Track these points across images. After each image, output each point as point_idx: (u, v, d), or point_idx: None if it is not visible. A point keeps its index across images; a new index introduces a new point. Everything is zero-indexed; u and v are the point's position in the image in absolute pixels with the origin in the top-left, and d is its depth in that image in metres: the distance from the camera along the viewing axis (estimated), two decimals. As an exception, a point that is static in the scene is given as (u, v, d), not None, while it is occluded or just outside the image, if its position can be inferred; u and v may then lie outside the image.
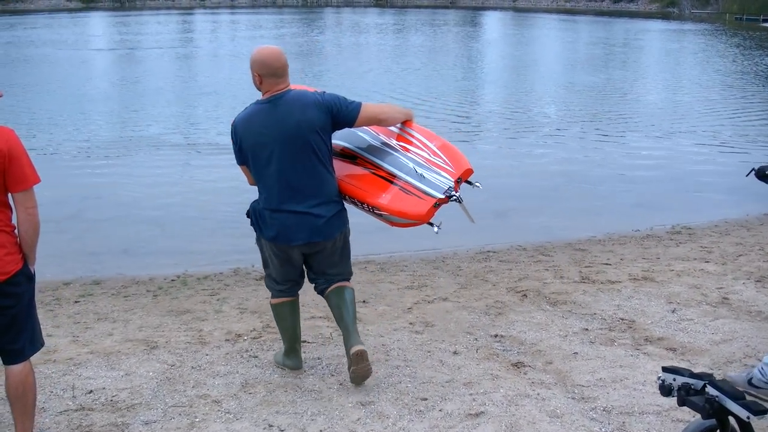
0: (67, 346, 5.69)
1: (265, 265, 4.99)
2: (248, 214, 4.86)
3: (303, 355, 5.28)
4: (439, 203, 4.56)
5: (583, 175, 12.31)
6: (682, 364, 5.05)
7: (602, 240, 8.74)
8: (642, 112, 19.36)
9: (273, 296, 5.04)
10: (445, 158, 4.75)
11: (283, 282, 4.94)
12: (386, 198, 4.63)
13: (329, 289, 4.93)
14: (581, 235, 9.06)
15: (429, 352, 5.40)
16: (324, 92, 4.75)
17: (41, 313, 6.37)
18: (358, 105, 4.68)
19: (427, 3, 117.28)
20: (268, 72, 4.54)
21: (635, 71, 29.99)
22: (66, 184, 11.62)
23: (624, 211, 10.43)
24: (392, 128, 4.98)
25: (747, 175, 4.78)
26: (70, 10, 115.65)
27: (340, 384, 4.87)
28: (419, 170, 4.68)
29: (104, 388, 4.88)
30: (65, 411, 4.58)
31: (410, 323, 6.03)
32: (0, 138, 3.63)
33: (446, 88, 23.54)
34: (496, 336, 5.68)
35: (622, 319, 5.97)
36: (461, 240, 8.81)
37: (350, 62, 32.31)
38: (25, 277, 3.84)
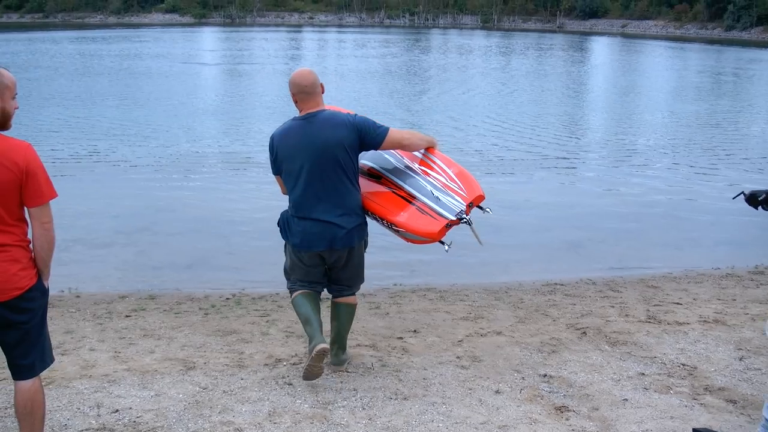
0: (107, 361, 5.64)
1: (290, 269, 5.37)
2: (279, 223, 5.33)
3: (340, 385, 5.18)
4: (450, 224, 4.99)
5: (669, 207, 11.78)
6: (741, 419, 4.69)
7: (677, 277, 8.30)
8: (742, 145, 18.55)
9: (291, 292, 5.39)
10: (460, 184, 5.18)
11: (307, 282, 5.31)
12: (404, 216, 5.06)
13: (337, 300, 5.45)
14: (656, 270, 8.63)
15: (470, 389, 5.16)
16: (356, 114, 5.20)
17: (91, 326, 6.46)
18: (386, 130, 5.11)
19: (534, 27, 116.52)
20: (297, 90, 5.07)
21: (742, 101, 28.85)
22: (145, 196, 11.80)
23: (706, 247, 9.93)
24: (416, 153, 5.43)
25: (734, 198, 4.52)
26: (183, 25, 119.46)
27: (369, 419, 4.67)
28: (436, 193, 5.12)
29: (131, 408, 4.80)
30: (86, 430, 4.51)
31: (457, 357, 5.78)
32: (18, 153, 3.59)
33: (547, 113, 23.15)
34: (544, 376, 5.39)
35: (684, 365, 5.60)
36: (529, 271, 8.57)
37: (453, 84, 32.11)
38: (39, 293, 3.79)
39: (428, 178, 5.24)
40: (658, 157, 16.42)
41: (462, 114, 22.07)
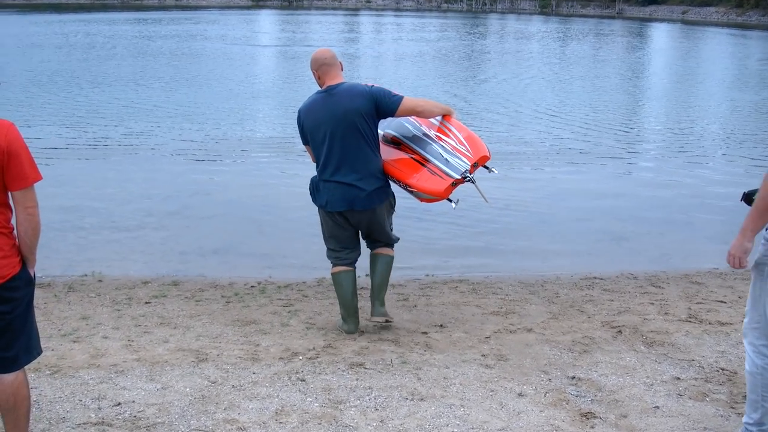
0: (118, 351, 5.47)
1: (327, 236, 5.88)
2: (309, 188, 5.82)
3: (355, 382, 4.95)
4: (456, 183, 5.52)
5: (721, 199, 11.25)
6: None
7: (723, 273, 7.87)
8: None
9: (333, 265, 5.91)
10: (467, 146, 5.68)
11: (339, 248, 5.84)
12: (416, 177, 5.59)
13: (372, 252, 5.98)
14: (702, 266, 8.21)
15: (492, 391, 4.87)
16: (373, 85, 5.71)
17: (108, 313, 6.30)
18: (400, 98, 5.57)
19: (592, 13, 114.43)
20: (319, 64, 5.62)
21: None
22: (182, 179, 11.68)
23: (757, 243, 9.43)
24: (433, 121, 5.93)
25: (741, 200, 4.24)
26: (240, 8, 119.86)
27: (381, 421, 4.41)
28: (445, 155, 5.63)
29: (134, 402, 4.61)
30: (83, 424, 4.32)
31: (482, 355, 5.50)
32: None
33: (604, 100, 22.48)
34: (573, 378, 5.08)
35: (723, 369, 5.24)
36: (568, 263, 8.23)
37: (508, 70, 31.53)
38: (23, 281, 3.58)
39: (440, 142, 5.74)
40: (716, 147, 15.81)
41: (517, 100, 21.53)
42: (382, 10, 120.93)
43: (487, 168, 5.74)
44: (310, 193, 5.82)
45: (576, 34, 63.60)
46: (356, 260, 5.94)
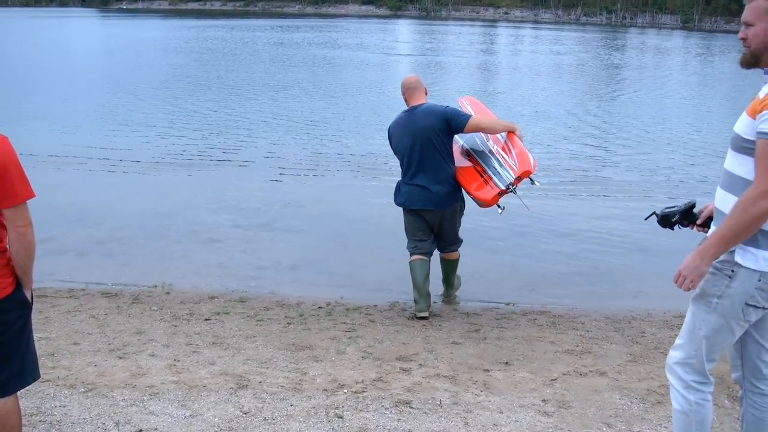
0: (160, 370, 5.31)
1: (407, 228, 6.95)
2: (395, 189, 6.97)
3: (396, 423, 4.63)
4: (501, 192, 6.44)
5: None
6: None
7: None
8: None
9: (410, 255, 6.89)
10: (516, 161, 6.50)
11: (416, 240, 6.87)
12: (473, 186, 6.60)
13: (442, 255, 7.13)
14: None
15: (543, 444, 4.43)
16: (447, 106, 6.82)
17: (164, 328, 6.16)
18: (468, 117, 6.67)
19: (737, 29, 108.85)
20: (406, 88, 6.91)
21: None
22: (279, 190, 11.63)
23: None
24: (499, 137, 6.83)
25: (646, 219, 4.23)
26: (378, 17, 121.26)
27: (409, 471, 4.04)
28: (498, 168, 6.55)
29: (156, 430, 4.41)
30: (96, 451, 4.12)
31: (543, 400, 5.05)
32: None
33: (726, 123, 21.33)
34: (637, 435, 4.59)
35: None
36: (663, 297, 7.55)
37: (645, 87, 30.29)
38: (17, 303, 3.41)
39: (498, 156, 6.64)
40: None
41: (652, 120, 20.47)
42: (521, 22, 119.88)
43: (531, 180, 6.57)
44: (394, 194, 6.95)
45: (718, 50, 61.12)
46: (431, 252, 6.93)
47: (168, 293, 7.31)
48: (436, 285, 7.29)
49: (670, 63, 45.75)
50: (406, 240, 6.96)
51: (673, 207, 4.05)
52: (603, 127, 19.12)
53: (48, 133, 16.20)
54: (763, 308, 3.42)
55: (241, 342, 5.99)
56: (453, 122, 6.62)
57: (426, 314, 6.78)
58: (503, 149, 6.67)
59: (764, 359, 3.65)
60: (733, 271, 3.36)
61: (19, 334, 3.45)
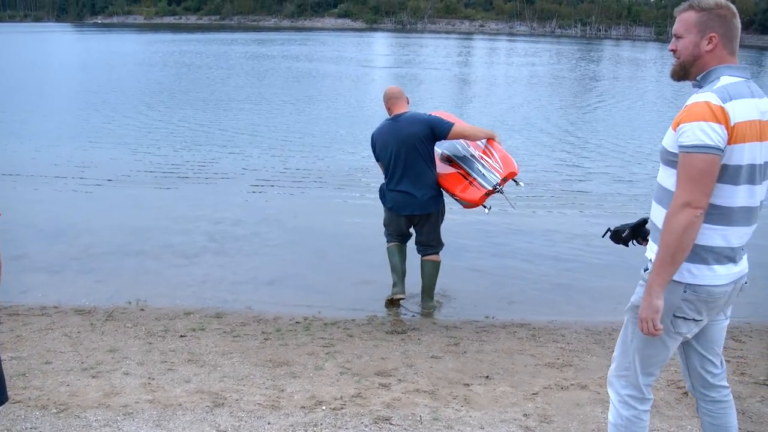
0: (135, 389, 5.21)
1: (387, 223, 7.40)
2: (379, 191, 7.39)
3: (375, 440, 4.49)
4: (488, 192, 6.88)
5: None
6: None
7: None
8: None
9: (387, 242, 7.44)
10: (500, 164, 6.96)
11: (396, 234, 7.37)
12: (459, 188, 7.00)
13: (422, 258, 7.38)
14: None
15: (525, 459, 4.37)
16: (430, 114, 7.21)
17: (138, 346, 6.07)
18: (451, 125, 6.97)
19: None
20: (389, 97, 7.20)
21: None
22: (256, 205, 11.53)
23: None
24: (479, 143, 7.25)
25: (603, 237, 4.27)
26: (355, 30, 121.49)
27: (389, 490, 3.97)
28: (483, 171, 6.99)
29: (129, 451, 4.29)
30: (68, 474, 4.02)
31: (525, 415, 5.00)
32: None
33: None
34: (620, 449, 4.52)
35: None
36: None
37: (623, 99, 30.38)
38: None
39: (481, 160, 7.08)
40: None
41: (630, 132, 20.33)
42: (496, 34, 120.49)
43: (515, 181, 7.04)
44: (380, 197, 7.37)
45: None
46: (406, 240, 7.43)
47: (143, 310, 7.20)
48: (414, 287, 7.53)
49: (645, 74, 46.02)
50: (384, 230, 7.47)
51: (626, 223, 4.05)
52: (579, 139, 19.09)
53: (21, 149, 16.01)
54: (694, 320, 3.39)
55: (217, 359, 5.90)
56: (437, 129, 6.95)
57: (403, 296, 7.25)
58: (485, 153, 7.12)
59: (708, 369, 3.64)
60: None
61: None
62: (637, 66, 53.81)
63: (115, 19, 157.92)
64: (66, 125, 19.39)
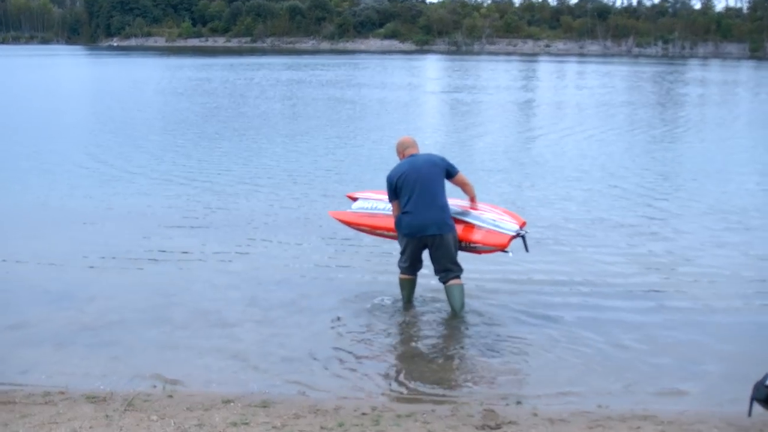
0: None
1: (403, 249, 8.56)
2: (396, 223, 8.57)
3: None
4: (513, 237, 8.41)
5: None
6: None
7: None
8: None
9: (401, 273, 8.78)
10: (509, 216, 8.85)
11: (409, 263, 8.61)
12: (479, 236, 8.51)
13: (447, 283, 8.51)
14: None
15: None
16: (441, 156, 8.74)
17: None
18: (457, 170, 8.68)
19: None
20: (406, 146, 8.81)
21: None
22: (302, 258, 10.88)
23: None
24: (464, 202, 8.90)
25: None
26: (403, 52, 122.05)
27: None
28: (496, 221, 8.61)
29: None
30: None
31: None
32: None
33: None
34: None
35: None
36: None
37: (710, 128, 29.50)
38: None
39: (485, 214, 8.75)
40: None
41: (719, 169, 19.57)
42: (564, 55, 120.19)
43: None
44: (396, 227, 8.56)
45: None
46: (417, 271, 8.78)
47: (171, 396, 6.58)
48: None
49: (738, 98, 45.04)
50: (399, 257, 8.71)
51: None
52: (659, 181, 18.27)
53: (23, 189, 15.68)
54: None
55: (265, 466, 5.27)
56: (449, 167, 8.57)
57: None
58: (477, 210, 8.80)
59: None
60: None
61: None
62: (728, 87, 52.82)
63: (132, 41, 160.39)
64: (78, 162, 19.04)
